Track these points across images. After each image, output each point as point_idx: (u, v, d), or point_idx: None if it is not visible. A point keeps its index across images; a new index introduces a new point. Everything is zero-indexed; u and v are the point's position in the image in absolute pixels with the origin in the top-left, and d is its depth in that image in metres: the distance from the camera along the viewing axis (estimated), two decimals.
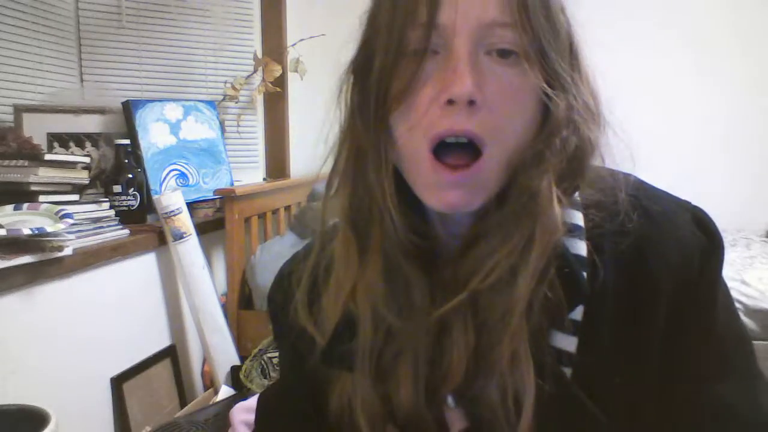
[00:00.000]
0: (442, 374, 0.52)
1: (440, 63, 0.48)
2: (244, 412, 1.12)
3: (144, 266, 1.64)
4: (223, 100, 2.14)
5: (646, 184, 0.57)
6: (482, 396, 0.51)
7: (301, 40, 2.25)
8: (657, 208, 0.54)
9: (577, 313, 0.51)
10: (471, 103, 0.47)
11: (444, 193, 0.50)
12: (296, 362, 0.61)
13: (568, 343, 0.50)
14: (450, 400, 0.53)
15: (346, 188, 0.56)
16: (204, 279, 1.69)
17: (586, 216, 0.53)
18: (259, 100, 2.30)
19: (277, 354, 1.65)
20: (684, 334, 0.53)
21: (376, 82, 0.51)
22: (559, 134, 0.50)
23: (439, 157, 0.49)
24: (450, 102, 0.47)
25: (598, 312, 0.51)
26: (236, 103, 2.20)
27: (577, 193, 0.53)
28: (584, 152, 0.52)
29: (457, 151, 0.49)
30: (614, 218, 0.52)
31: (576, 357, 0.50)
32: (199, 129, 1.96)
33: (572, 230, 0.52)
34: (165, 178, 1.82)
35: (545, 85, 0.49)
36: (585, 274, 0.51)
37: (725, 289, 0.56)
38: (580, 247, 0.52)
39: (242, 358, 1.71)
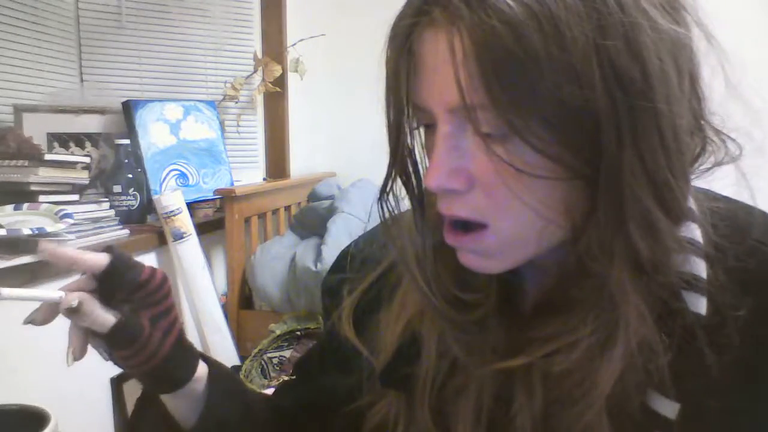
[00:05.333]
0: (505, 427, 0.48)
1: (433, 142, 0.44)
2: None
3: None
4: (223, 100, 2.14)
5: None
6: None
7: (301, 40, 2.25)
8: None
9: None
10: (453, 190, 0.43)
11: (460, 253, 0.47)
12: (336, 348, 0.59)
13: (667, 408, 0.44)
14: None
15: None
16: (204, 279, 1.69)
17: (707, 264, 0.45)
18: (259, 100, 2.30)
19: (277, 354, 1.65)
20: None
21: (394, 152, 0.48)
22: (611, 207, 0.40)
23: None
24: None
25: (712, 381, 0.43)
26: (236, 103, 2.20)
27: (699, 234, 0.45)
28: (672, 211, 0.42)
29: None
30: (740, 272, 0.44)
31: (675, 425, 0.44)
32: (199, 129, 1.96)
33: (692, 283, 0.44)
34: (165, 178, 1.82)
35: (556, 163, 0.40)
36: (704, 336, 0.43)
37: None
38: (701, 305, 0.44)
39: (242, 358, 1.71)
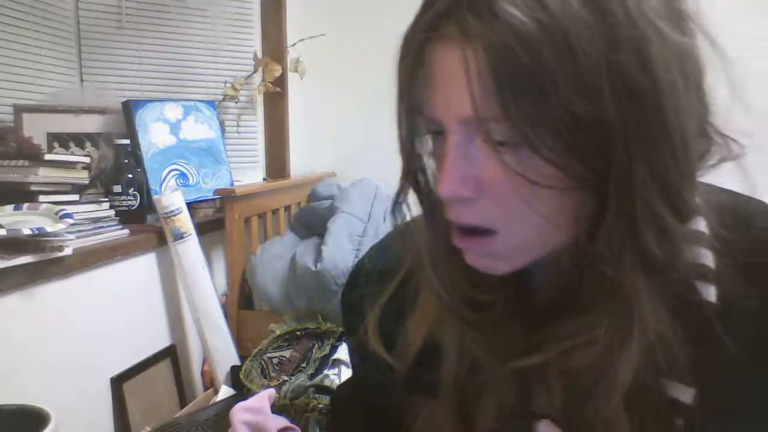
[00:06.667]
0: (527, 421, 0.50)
1: (445, 149, 0.45)
2: (245, 412, 1.12)
3: (144, 266, 1.64)
4: (223, 100, 2.14)
5: None
6: None
7: (301, 40, 2.25)
8: None
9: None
10: (464, 198, 0.44)
11: (467, 255, 0.48)
12: (368, 360, 0.59)
13: (683, 393, 0.46)
14: None
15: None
16: (204, 279, 1.68)
17: (715, 255, 0.46)
18: (259, 100, 2.30)
19: (277, 354, 1.65)
20: None
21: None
22: (623, 214, 0.41)
23: None
24: None
25: (727, 367, 0.45)
26: (236, 103, 2.20)
27: (705, 227, 0.47)
28: (681, 212, 0.43)
29: None
30: (747, 262, 0.46)
31: (691, 409, 0.45)
32: (199, 129, 1.96)
33: (701, 273, 0.46)
34: (165, 178, 1.82)
35: (565, 172, 0.40)
36: (717, 324, 0.45)
37: None
38: (710, 293, 0.46)
39: (242, 358, 1.71)
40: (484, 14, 0.39)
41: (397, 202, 0.52)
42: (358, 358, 0.66)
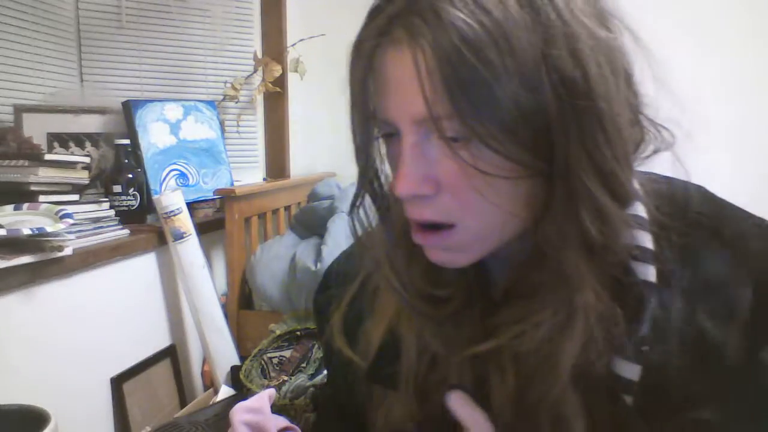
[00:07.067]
0: (485, 408, 0.51)
1: (400, 149, 0.47)
2: (244, 412, 1.12)
3: (144, 266, 1.64)
4: (223, 100, 2.14)
5: (718, 199, 0.53)
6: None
7: (301, 40, 2.25)
8: (728, 231, 0.50)
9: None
10: (423, 196, 0.46)
11: (427, 250, 0.50)
12: (337, 363, 0.62)
13: (631, 371, 0.48)
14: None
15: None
16: (204, 279, 1.68)
17: (653, 238, 0.49)
18: (259, 100, 2.30)
19: (277, 354, 1.65)
20: (758, 380, 0.48)
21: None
22: (565, 197, 0.44)
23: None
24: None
25: (666, 343, 0.47)
26: (236, 103, 2.20)
27: (643, 211, 0.49)
28: (618, 195, 0.46)
29: None
30: (682, 245, 0.48)
31: (639, 386, 0.47)
32: (199, 129, 1.96)
33: (640, 255, 0.48)
34: (165, 178, 1.82)
35: (513, 163, 0.43)
36: (655, 302, 0.47)
37: None
38: (649, 273, 0.48)
39: (242, 358, 1.71)
40: (429, 18, 0.42)
41: (355, 206, 0.54)
42: (326, 358, 0.69)
